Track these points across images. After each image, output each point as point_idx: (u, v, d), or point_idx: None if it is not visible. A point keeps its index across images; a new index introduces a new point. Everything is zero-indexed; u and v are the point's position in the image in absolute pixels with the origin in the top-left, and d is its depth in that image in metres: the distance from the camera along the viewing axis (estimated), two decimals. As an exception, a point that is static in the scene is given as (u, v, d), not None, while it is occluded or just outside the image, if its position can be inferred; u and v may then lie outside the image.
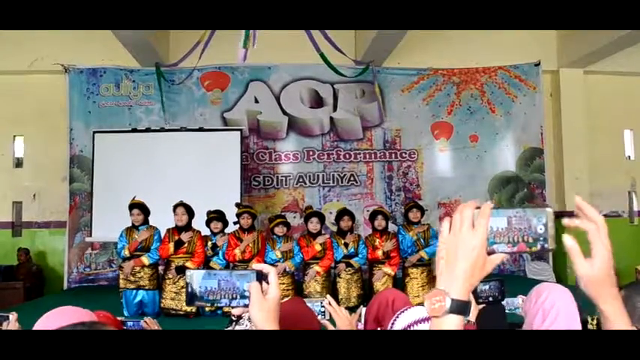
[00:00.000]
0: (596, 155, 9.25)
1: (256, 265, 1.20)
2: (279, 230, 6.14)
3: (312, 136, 8.97)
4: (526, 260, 8.72)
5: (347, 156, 8.98)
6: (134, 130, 8.33)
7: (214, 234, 6.15)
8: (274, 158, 8.91)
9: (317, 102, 9.01)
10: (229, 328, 2.05)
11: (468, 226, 0.93)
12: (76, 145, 8.59)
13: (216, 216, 6.17)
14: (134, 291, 5.85)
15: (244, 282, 1.18)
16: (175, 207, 5.97)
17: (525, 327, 1.87)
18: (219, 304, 1.19)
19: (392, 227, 6.97)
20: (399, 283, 6.28)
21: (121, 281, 5.95)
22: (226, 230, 6.23)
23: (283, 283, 5.91)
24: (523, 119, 9.11)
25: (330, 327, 1.98)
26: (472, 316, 1.81)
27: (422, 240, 6.27)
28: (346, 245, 6.27)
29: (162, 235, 6.03)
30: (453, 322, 0.91)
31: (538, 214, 0.93)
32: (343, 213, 6.46)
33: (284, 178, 8.89)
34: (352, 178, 8.95)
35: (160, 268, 6.14)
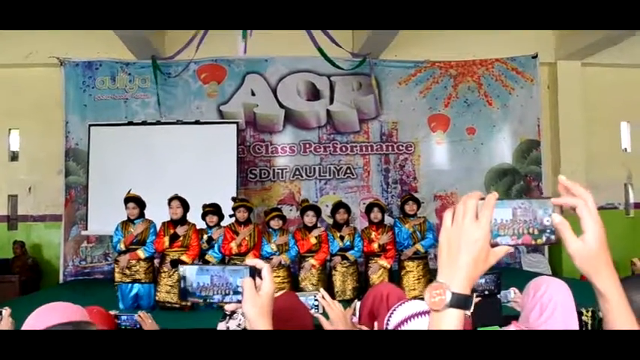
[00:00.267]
0: (593, 147, 9.25)
1: (250, 261, 1.19)
2: (275, 223, 6.13)
3: (308, 129, 8.95)
4: (522, 252, 8.73)
5: (343, 149, 8.97)
6: (130, 124, 8.32)
7: (210, 227, 6.14)
8: (271, 151, 8.90)
9: (314, 94, 8.99)
10: (222, 323, 2.05)
11: (472, 217, 0.90)
12: (71, 138, 8.57)
13: (211, 210, 6.15)
14: (130, 284, 5.84)
15: (237, 278, 1.17)
16: (170, 200, 5.95)
17: (522, 320, 1.86)
18: (211, 300, 1.18)
19: (388, 220, 6.96)
20: (395, 275, 6.28)
21: (116, 275, 5.94)
22: (222, 224, 6.21)
23: (279, 276, 5.91)
24: (520, 111, 9.11)
25: (324, 320, 1.97)
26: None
27: (418, 233, 6.26)
28: (342, 238, 6.26)
29: (158, 229, 6.02)
30: (454, 317, 0.89)
31: (544, 205, 0.90)
32: (339, 206, 6.45)
33: (280, 171, 8.88)
34: (349, 171, 8.94)
35: (156, 261, 6.13)
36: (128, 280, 5.84)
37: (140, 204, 6.06)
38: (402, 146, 9.04)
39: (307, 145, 8.91)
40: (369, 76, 8.77)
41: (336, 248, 6.22)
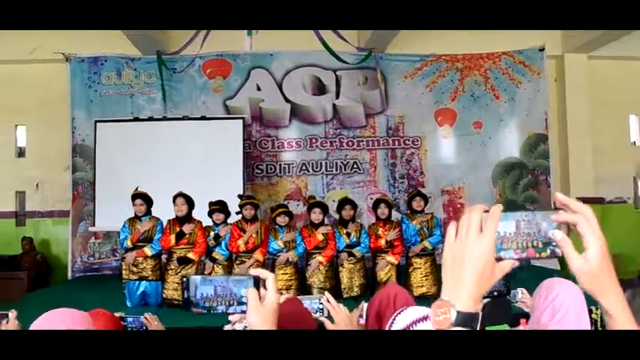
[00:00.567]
0: (601, 141, 9.18)
1: (254, 271, 1.18)
2: (282, 220, 6.11)
3: (314, 124, 8.92)
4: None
5: (350, 143, 8.94)
6: (136, 119, 8.33)
7: (217, 225, 6.13)
8: (277, 146, 8.88)
9: (319, 89, 8.96)
10: (229, 325, 2.04)
11: (476, 231, 0.87)
12: (78, 134, 8.58)
13: (218, 207, 6.14)
14: (137, 282, 5.86)
15: (241, 288, 1.16)
16: (175, 197, 5.95)
17: (532, 321, 1.84)
18: (215, 311, 1.17)
19: (395, 215, 6.93)
20: (403, 272, 6.25)
21: (123, 272, 5.96)
22: (228, 221, 6.21)
23: (286, 274, 5.92)
24: (527, 105, 9.04)
25: (329, 324, 1.96)
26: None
27: (425, 229, 6.23)
28: (348, 235, 6.24)
29: (164, 226, 6.03)
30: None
31: (548, 218, 0.88)
32: (345, 202, 6.42)
33: (287, 166, 8.86)
34: (355, 166, 8.91)
35: (163, 257, 6.14)
36: (135, 278, 5.86)
37: (147, 201, 6.07)
38: (409, 141, 9.00)
39: (313, 140, 8.89)
40: (375, 70, 8.73)
41: (343, 245, 6.19)
